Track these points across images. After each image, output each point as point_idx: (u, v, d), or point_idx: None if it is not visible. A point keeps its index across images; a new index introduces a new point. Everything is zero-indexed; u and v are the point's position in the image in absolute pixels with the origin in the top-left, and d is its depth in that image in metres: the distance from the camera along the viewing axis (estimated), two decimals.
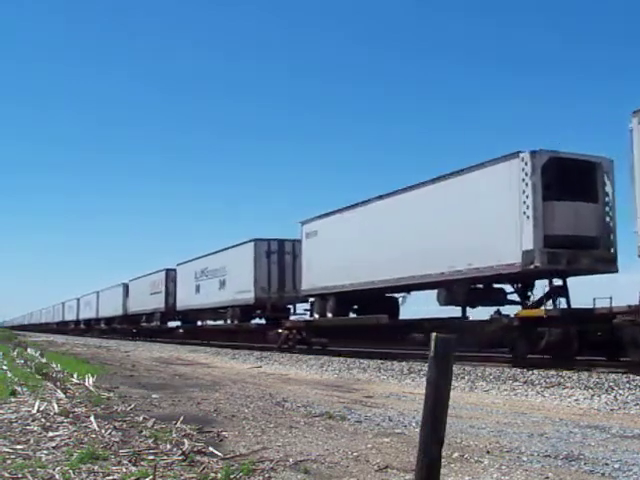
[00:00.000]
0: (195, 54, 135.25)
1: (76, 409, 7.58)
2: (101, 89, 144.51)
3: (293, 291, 26.33)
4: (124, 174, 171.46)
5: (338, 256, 21.41)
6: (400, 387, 11.92)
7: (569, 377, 11.54)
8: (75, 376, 11.72)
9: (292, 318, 26.65)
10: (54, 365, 15.08)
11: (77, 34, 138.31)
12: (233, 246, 30.39)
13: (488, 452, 5.45)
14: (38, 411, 7.19)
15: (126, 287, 49.17)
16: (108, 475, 4.46)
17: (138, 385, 11.38)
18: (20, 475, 4.39)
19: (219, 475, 4.48)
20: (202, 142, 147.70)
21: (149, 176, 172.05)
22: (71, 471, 4.50)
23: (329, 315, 22.50)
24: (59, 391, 9.32)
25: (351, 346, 22.30)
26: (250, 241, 28.10)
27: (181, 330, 38.66)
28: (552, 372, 12.30)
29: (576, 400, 9.48)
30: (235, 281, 29.43)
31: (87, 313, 63.60)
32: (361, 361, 17.21)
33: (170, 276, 39.76)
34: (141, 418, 7.04)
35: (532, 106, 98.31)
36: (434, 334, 3.63)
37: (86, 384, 10.48)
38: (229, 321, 30.39)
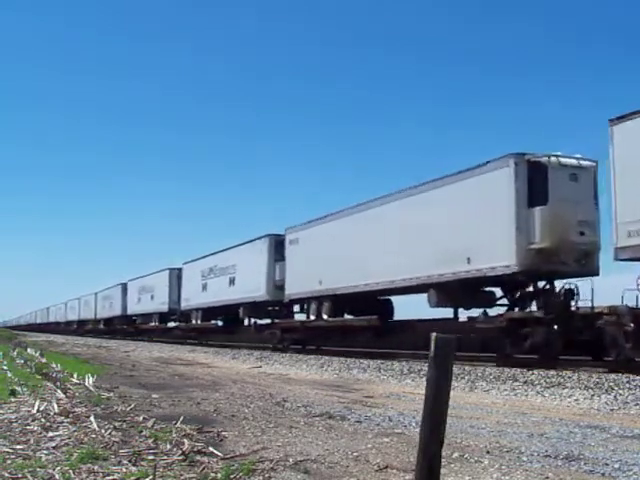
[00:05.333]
0: (196, 56, 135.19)
1: (76, 409, 7.57)
2: (101, 91, 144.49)
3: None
4: (123, 175, 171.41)
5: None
6: (400, 387, 11.93)
7: (569, 377, 11.54)
8: (75, 376, 11.72)
9: None
10: (54, 365, 15.08)
11: (76, 36, 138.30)
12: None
13: (488, 452, 5.44)
14: (38, 411, 7.19)
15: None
16: (108, 475, 4.46)
17: (138, 385, 11.38)
18: (20, 475, 4.39)
19: (219, 475, 4.48)
20: (201, 143, 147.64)
21: (148, 176, 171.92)
22: (71, 471, 4.49)
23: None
24: (59, 391, 9.32)
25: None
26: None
27: None
28: (552, 372, 12.29)
29: (576, 400, 9.48)
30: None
31: (205, 295, 33.06)
32: (361, 361, 17.21)
33: None
34: (141, 418, 7.03)
35: (533, 107, 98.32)
36: (434, 334, 3.62)
37: (86, 384, 10.48)
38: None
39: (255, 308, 27.80)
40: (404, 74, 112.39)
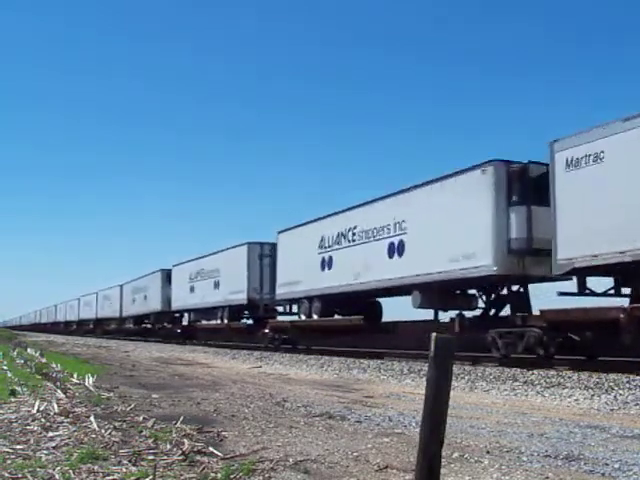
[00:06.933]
0: (196, 56, 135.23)
1: (76, 409, 7.57)
2: (101, 91, 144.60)
3: None
4: (123, 175, 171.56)
5: None
6: (400, 387, 11.92)
7: (569, 377, 11.53)
8: (75, 376, 11.72)
9: None
10: (54, 365, 15.08)
11: (76, 36, 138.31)
12: None
13: (488, 452, 5.44)
14: (38, 411, 7.19)
15: None
16: (108, 475, 4.46)
17: (138, 385, 11.38)
18: (20, 475, 4.39)
19: (219, 475, 4.48)
20: (201, 143, 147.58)
21: (148, 176, 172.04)
22: (71, 471, 4.49)
23: None
24: (59, 391, 9.32)
25: None
26: None
27: None
28: (552, 372, 12.30)
29: (576, 400, 9.47)
30: None
31: (328, 277, 21.53)
32: (361, 361, 17.21)
33: None
34: (141, 418, 7.03)
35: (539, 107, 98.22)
36: (434, 334, 3.62)
37: (86, 384, 10.47)
38: None
39: (451, 291, 16.99)
40: (404, 74, 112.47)
